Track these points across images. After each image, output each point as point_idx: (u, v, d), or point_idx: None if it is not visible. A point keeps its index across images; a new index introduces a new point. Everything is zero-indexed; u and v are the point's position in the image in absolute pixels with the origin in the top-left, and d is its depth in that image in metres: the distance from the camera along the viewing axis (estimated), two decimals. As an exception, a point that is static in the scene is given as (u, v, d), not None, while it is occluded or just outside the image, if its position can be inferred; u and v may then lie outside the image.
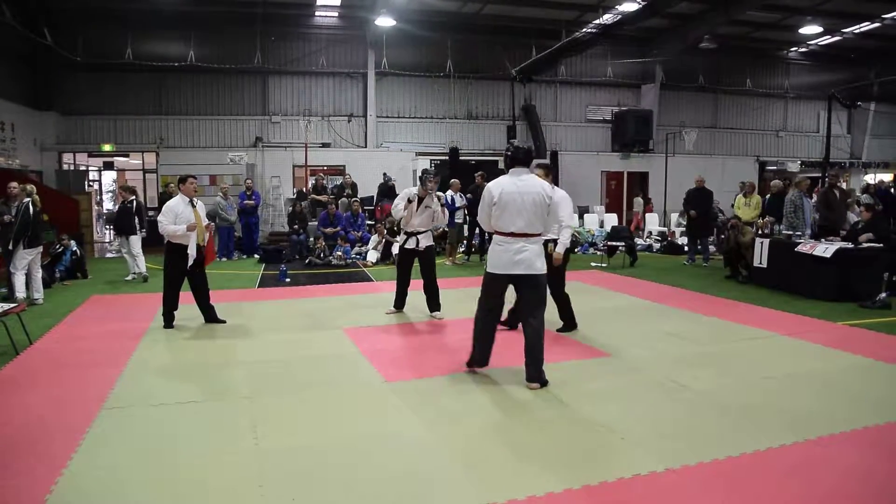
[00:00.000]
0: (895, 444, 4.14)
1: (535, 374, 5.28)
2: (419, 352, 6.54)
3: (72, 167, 19.17)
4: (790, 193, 11.85)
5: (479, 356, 5.61)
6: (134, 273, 11.26)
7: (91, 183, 20.77)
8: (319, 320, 8.01)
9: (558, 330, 7.27)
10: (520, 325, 6.02)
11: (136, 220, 11.30)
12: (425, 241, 8.08)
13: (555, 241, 6.67)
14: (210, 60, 18.88)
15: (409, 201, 7.93)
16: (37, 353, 6.45)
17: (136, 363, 6.05)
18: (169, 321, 7.60)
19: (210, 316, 7.82)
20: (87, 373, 5.74)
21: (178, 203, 7.52)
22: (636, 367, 5.91)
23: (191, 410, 4.78)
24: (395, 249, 13.53)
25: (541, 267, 5.33)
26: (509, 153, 5.45)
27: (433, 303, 8.20)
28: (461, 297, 9.31)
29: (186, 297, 7.79)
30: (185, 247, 7.47)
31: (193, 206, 7.60)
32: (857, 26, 20.78)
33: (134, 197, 11.50)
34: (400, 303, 8.36)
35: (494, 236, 5.40)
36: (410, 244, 8.06)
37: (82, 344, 6.84)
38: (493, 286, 5.47)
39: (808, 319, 7.92)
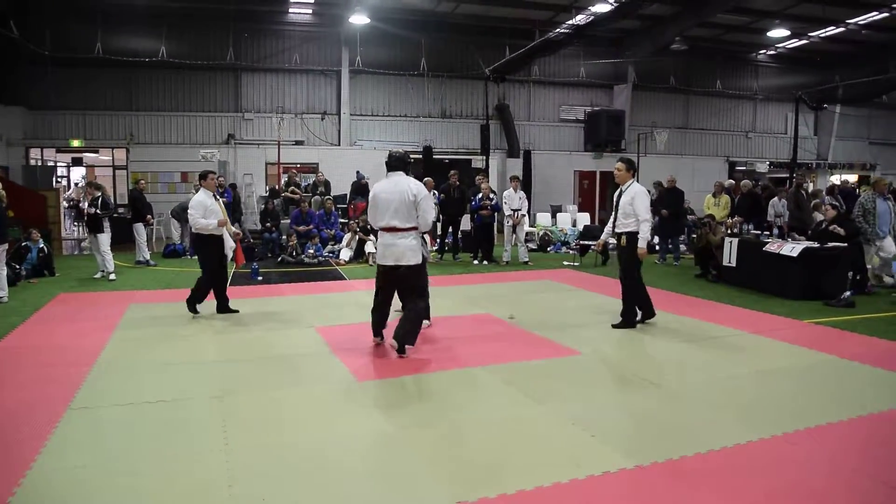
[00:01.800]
0: (861, 440, 4.22)
1: (397, 337, 6.02)
2: (391, 351, 6.52)
3: (39, 163, 18.83)
4: (862, 196, 10.64)
5: (376, 331, 6.50)
6: (101, 271, 11.09)
7: (59, 179, 20.42)
8: (291, 319, 7.95)
9: (638, 320, 7.48)
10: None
11: (104, 217, 11.12)
12: None
13: (628, 235, 7.20)
14: (182, 56, 18.68)
15: None
16: (1, 352, 6.32)
17: (103, 362, 5.96)
18: (194, 307, 8.00)
19: (224, 306, 8.16)
20: (54, 372, 5.63)
21: (205, 198, 7.92)
22: (606, 365, 5.96)
23: (159, 410, 4.72)
24: (369, 247, 13.55)
25: (410, 259, 6.10)
26: (386, 161, 6.34)
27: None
28: (432, 295, 9.33)
29: (155, 296, 7.73)
30: (219, 237, 7.96)
31: (217, 200, 8.03)
32: (823, 30, 21.24)
33: (100, 193, 11.31)
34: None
35: (378, 232, 6.27)
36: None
37: (49, 342, 6.72)
38: (378, 277, 6.39)
39: (775, 318, 8.05)
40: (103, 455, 3.92)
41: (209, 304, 8.27)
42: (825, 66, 24.33)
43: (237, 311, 8.13)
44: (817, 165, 25.54)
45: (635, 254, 7.17)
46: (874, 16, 19.54)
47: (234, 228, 8.50)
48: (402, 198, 6.04)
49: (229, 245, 8.14)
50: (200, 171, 8.49)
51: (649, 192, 15.60)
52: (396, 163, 6.26)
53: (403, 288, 6.28)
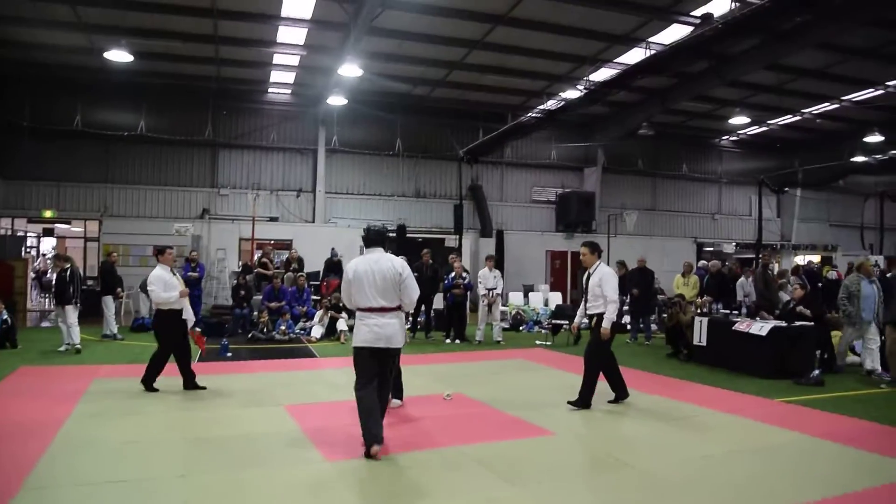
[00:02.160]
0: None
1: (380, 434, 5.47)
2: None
3: (9, 232, 18.61)
4: (847, 279, 10.48)
5: (375, 432, 5.44)
6: (67, 344, 10.84)
7: (28, 249, 20.17)
8: (260, 397, 7.80)
9: (611, 401, 7.43)
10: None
11: (71, 289, 10.95)
12: None
13: (599, 316, 7.18)
14: (160, 131, 18.86)
15: None
16: (-44, 429, 6.09)
17: (63, 438, 5.76)
18: (151, 385, 7.81)
19: (191, 382, 7.97)
20: (10, 448, 5.43)
21: (163, 272, 7.92)
22: (580, 445, 5.93)
23: (121, 490, 4.55)
24: (341, 325, 13.44)
25: (400, 340, 5.70)
26: (362, 235, 5.97)
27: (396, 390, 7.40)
28: (404, 373, 9.25)
29: (120, 370, 7.56)
30: (179, 312, 7.89)
31: (175, 275, 8.05)
32: (780, 119, 22.27)
33: (69, 265, 11.18)
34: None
35: (357, 312, 5.69)
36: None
37: (6, 417, 6.48)
38: (363, 360, 5.62)
39: (745, 396, 8.09)
40: (59, 538, 3.76)
41: (175, 380, 8.11)
42: (785, 152, 25.33)
43: (204, 388, 7.97)
44: (781, 246, 26.20)
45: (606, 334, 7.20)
46: (826, 106, 20.57)
47: (191, 314, 8.35)
48: (386, 275, 5.59)
49: (189, 316, 8.15)
50: (157, 246, 8.60)
51: (620, 269, 15.99)
52: (375, 237, 5.88)
53: (387, 371, 5.75)
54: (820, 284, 15.48)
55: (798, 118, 21.98)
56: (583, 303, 7.66)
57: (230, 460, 5.30)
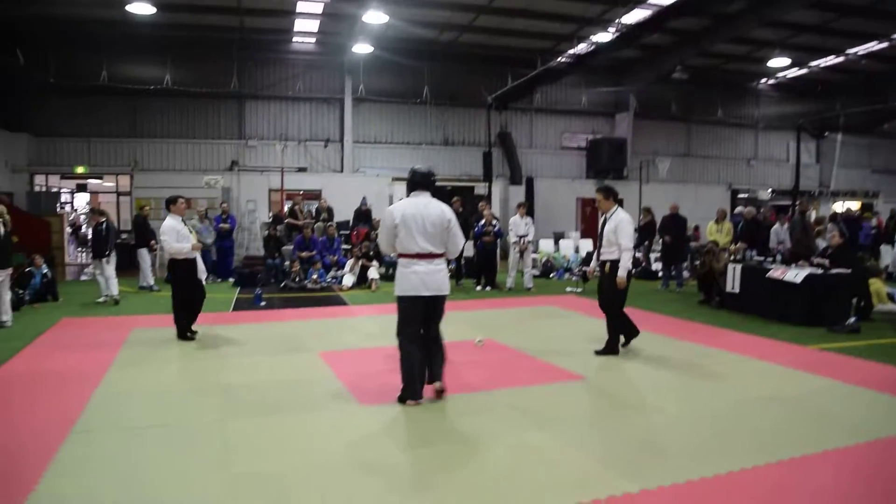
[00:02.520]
0: (865, 465, 4.19)
1: (438, 374, 5.47)
2: (393, 375, 6.49)
3: (44, 189, 18.94)
4: None
5: (416, 389, 5.38)
6: (105, 295, 11.10)
7: (63, 205, 20.54)
8: (294, 344, 7.94)
9: (622, 344, 7.39)
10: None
11: (108, 242, 11.16)
12: None
13: (612, 263, 7.05)
14: (186, 84, 18.87)
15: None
16: (4, 376, 6.31)
17: (106, 386, 5.94)
18: (185, 334, 8.02)
19: (184, 332, 8.11)
20: (57, 396, 5.63)
21: (175, 223, 7.96)
22: (609, 390, 5.94)
23: (161, 434, 4.70)
24: (372, 273, 13.56)
25: (448, 287, 5.48)
26: (408, 177, 5.60)
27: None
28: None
29: (158, 320, 7.76)
30: (192, 261, 8.00)
31: (185, 224, 8.10)
32: (823, 60, 21.44)
33: (105, 219, 11.36)
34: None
35: (400, 259, 5.44)
36: None
37: (52, 367, 6.71)
38: (408, 309, 5.39)
39: (779, 343, 8.02)
40: (105, 479, 3.90)
41: (210, 328, 8.26)
42: (826, 95, 24.51)
43: (195, 335, 8.12)
44: (820, 193, 25.61)
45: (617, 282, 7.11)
46: (873, 46, 19.73)
47: (204, 271, 8.52)
48: (435, 221, 5.34)
49: (202, 269, 8.25)
50: (168, 196, 8.40)
51: (646, 216, 15.80)
52: (422, 180, 5.54)
53: (436, 318, 5.51)
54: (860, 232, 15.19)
55: (842, 59, 21.16)
56: (597, 249, 7.57)
57: (266, 406, 5.42)
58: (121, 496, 3.66)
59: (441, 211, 5.41)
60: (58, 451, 4.29)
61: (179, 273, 8.02)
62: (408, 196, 5.53)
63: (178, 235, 7.88)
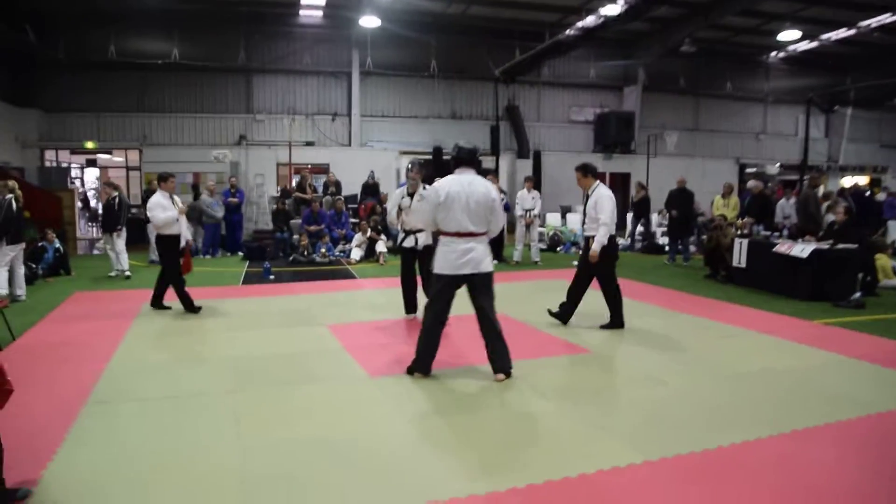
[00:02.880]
0: (867, 439, 4.25)
1: (503, 366, 5.41)
2: (402, 347, 6.59)
3: (54, 164, 19.02)
4: None
5: (427, 365, 5.47)
6: (117, 269, 11.22)
7: (73, 180, 20.63)
8: (303, 317, 8.04)
9: (603, 326, 7.43)
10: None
11: (119, 216, 11.26)
12: (424, 240, 7.71)
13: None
14: (194, 58, 18.84)
15: (401, 209, 7.78)
16: (20, 349, 6.43)
17: (119, 359, 6.06)
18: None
19: (159, 300, 8.45)
20: (71, 368, 5.75)
21: (161, 199, 8.11)
22: (615, 363, 6.02)
23: (174, 405, 4.81)
24: (380, 247, 13.64)
25: (490, 264, 5.42)
26: (454, 154, 5.52)
27: (410, 304, 8.02)
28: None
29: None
30: (177, 236, 8.18)
31: (173, 200, 8.22)
32: (834, 33, 21.16)
33: (117, 193, 11.45)
34: (411, 307, 8.00)
35: (441, 237, 5.41)
36: (409, 242, 7.82)
37: (66, 340, 6.84)
38: (443, 288, 5.38)
39: (784, 318, 8.07)
40: (121, 448, 4.01)
41: (219, 302, 8.36)
42: (836, 69, 24.24)
43: (169, 308, 8.37)
44: (828, 168, 25.40)
45: (603, 257, 7.11)
46: (886, 18, 19.45)
47: (188, 235, 8.74)
48: (479, 200, 5.28)
49: (186, 236, 8.47)
50: (160, 172, 8.61)
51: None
52: (469, 157, 5.47)
53: (485, 294, 5.44)
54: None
55: (853, 32, 20.86)
56: (582, 225, 7.61)
57: (277, 377, 5.53)
58: (136, 466, 3.77)
59: (486, 189, 5.35)
60: (74, 422, 4.41)
61: (168, 247, 8.21)
62: (452, 173, 5.45)
63: (164, 210, 8.04)
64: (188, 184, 18.79)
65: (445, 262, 5.32)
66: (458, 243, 5.28)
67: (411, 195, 7.81)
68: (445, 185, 5.32)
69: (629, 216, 16.65)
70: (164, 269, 8.33)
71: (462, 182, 5.31)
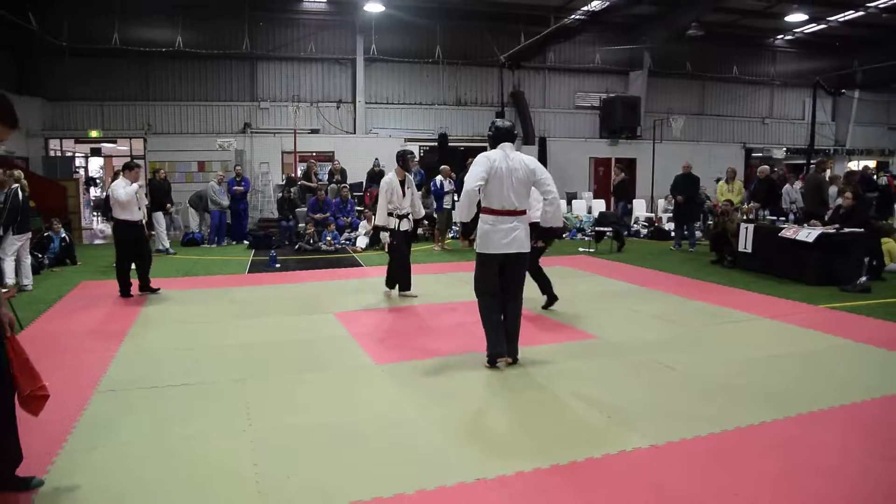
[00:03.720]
0: (873, 422, 4.26)
1: (513, 350, 5.40)
2: (409, 335, 6.62)
3: (58, 153, 19.05)
4: None
5: (499, 347, 5.32)
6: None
7: (77, 169, 20.67)
8: (310, 305, 8.07)
9: (544, 306, 7.57)
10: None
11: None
12: (407, 226, 8.36)
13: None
14: (198, 46, 18.78)
15: (391, 196, 8.19)
16: (28, 339, 6.45)
17: (127, 347, 6.10)
18: (127, 290, 8.47)
19: (146, 285, 8.68)
20: (80, 357, 5.79)
21: (124, 183, 8.41)
22: (621, 349, 6.02)
23: (183, 393, 4.84)
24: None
25: (529, 245, 5.35)
26: (491, 132, 5.40)
27: (407, 282, 8.49)
28: (450, 282, 9.48)
29: (175, 283, 7.90)
30: (132, 222, 8.45)
31: (140, 189, 8.63)
32: (842, 14, 20.94)
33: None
34: (404, 284, 8.47)
35: (482, 215, 5.25)
36: (405, 225, 8.27)
37: (73, 329, 6.88)
38: (491, 269, 5.26)
39: (790, 303, 8.06)
40: (131, 436, 4.04)
41: (226, 290, 8.38)
42: (844, 51, 24.01)
43: (158, 290, 8.64)
44: (835, 151, 25.28)
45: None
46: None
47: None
48: (521, 175, 5.16)
49: (142, 214, 8.76)
50: (125, 162, 8.95)
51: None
52: (506, 133, 5.34)
53: (519, 275, 5.38)
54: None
55: (861, 13, 20.64)
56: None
57: (284, 365, 5.56)
58: (148, 452, 3.80)
59: (524, 163, 5.23)
60: (84, 409, 4.45)
61: (122, 234, 8.47)
62: (491, 150, 5.32)
63: (124, 190, 8.31)
64: (193, 172, 18.83)
65: (489, 241, 5.21)
66: (502, 222, 5.17)
67: (402, 183, 8.20)
68: (490, 159, 5.17)
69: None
70: (117, 255, 8.55)
71: (504, 158, 5.18)
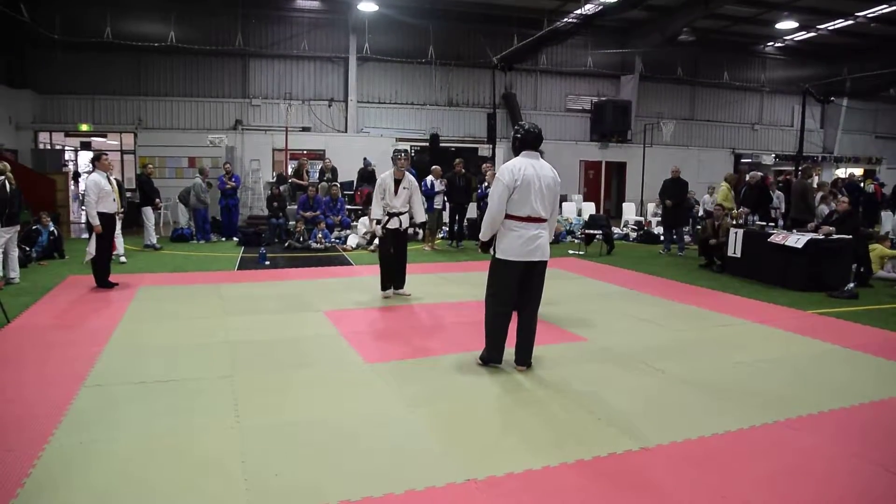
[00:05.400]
0: (860, 427, 4.29)
1: (527, 358, 5.39)
2: (398, 334, 6.61)
3: (48, 146, 18.90)
4: None
5: (496, 356, 5.38)
6: (113, 254, 11.17)
7: (67, 163, 20.52)
8: (299, 303, 8.04)
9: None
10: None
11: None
12: (405, 222, 8.34)
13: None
14: (190, 41, 18.69)
15: (384, 194, 8.24)
16: (15, 332, 6.42)
17: (115, 342, 6.05)
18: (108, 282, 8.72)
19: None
20: (68, 351, 5.73)
21: (99, 178, 8.53)
22: (611, 352, 6.04)
23: (171, 388, 4.81)
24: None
25: (549, 253, 5.29)
26: (519, 135, 5.25)
27: (401, 280, 8.50)
28: (438, 282, 9.49)
29: (164, 279, 7.84)
30: (112, 215, 8.70)
31: (110, 181, 8.70)
32: (832, 23, 21.16)
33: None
34: (394, 283, 8.49)
35: (507, 221, 5.12)
36: (394, 224, 8.25)
37: (60, 323, 6.82)
38: (507, 276, 5.17)
39: (778, 308, 8.12)
40: (118, 431, 4.01)
41: (217, 287, 8.33)
42: (833, 59, 24.25)
43: (116, 284, 8.81)
44: (823, 158, 25.50)
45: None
46: (883, 9, 19.42)
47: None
48: (549, 184, 5.12)
49: (118, 210, 8.99)
50: (94, 153, 9.13)
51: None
52: (535, 140, 5.22)
53: (539, 284, 5.31)
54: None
55: (850, 22, 20.86)
56: None
57: (273, 362, 5.53)
58: (135, 447, 3.77)
59: (553, 173, 5.20)
60: (70, 405, 4.40)
61: (108, 225, 8.67)
62: (516, 156, 5.25)
63: (100, 191, 8.42)
64: (183, 168, 18.72)
65: (512, 248, 5.11)
66: (527, 229, 5.09)
67: (397, 182, 8.19)
68: (520, 165, 5.07)
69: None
70: (97, 247, 8.65)
71: (534, 166, 5.11)
